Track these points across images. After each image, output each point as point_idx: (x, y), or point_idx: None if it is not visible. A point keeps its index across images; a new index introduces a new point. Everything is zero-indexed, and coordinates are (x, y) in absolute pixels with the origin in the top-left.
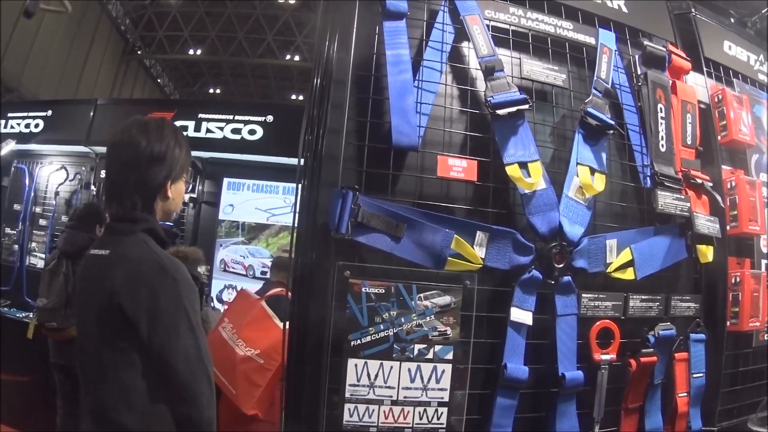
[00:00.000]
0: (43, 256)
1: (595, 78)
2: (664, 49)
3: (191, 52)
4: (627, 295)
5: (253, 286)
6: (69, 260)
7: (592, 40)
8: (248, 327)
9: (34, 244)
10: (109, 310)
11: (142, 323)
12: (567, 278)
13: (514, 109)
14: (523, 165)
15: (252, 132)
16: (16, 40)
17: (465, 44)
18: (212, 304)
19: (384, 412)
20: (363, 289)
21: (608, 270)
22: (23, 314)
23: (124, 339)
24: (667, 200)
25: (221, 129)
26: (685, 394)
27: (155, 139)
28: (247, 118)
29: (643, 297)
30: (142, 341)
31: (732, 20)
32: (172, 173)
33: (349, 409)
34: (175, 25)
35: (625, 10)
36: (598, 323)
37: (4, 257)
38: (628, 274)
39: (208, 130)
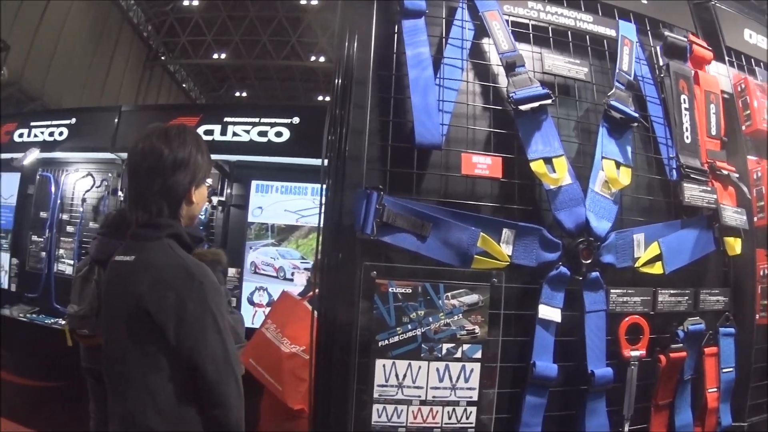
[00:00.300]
0: (72, 262)
1: (617, 70)
2: (685, 39)
3: (215, 56)
4: (656, 289)
5: (286, 288)
6: (101, 267)
7: (612, 33)
8: (292, 326)
9: (61, 251)
10: (136, 315)
11: (169, 327)
12: (595, 274)
13: (536, 104)
14: (548, 160)
15: (278, 134)
16: (36, 50)
17: (485, 40)
18: (232, 305)
19: (413, 412)
20: (390, 289)
21: (636, 265)
22: (52, 320)
23: (151, 343)
24: (693, 192)
25: (247, 132)
26: (715, 389)
27: (178, 146)
28: (273, 120)
29: (671, 291)
30: (170, 345)
31: (751, 8)
32: (196, 178)
33: (377, 410)
34: (197, 30)
35: (644, 1)
36: (627, 319)
37: (32, 264)
38: (657, 269)
39: (235, 134)
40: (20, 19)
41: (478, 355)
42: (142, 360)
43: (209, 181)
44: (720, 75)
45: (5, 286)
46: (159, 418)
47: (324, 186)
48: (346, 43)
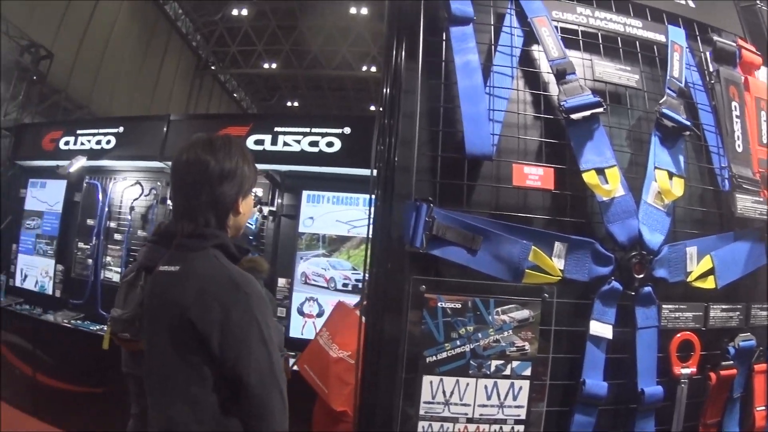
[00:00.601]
0: (119, 270)
1: (668, 77)
2: (734, 44)
3: (266, 65)
4: (707, 305)
5: (336, 298)
6: (148, 274)
7: (662, 38)
8: (343, 333)
9: (108, 259)
10: (179, 325)
11: (213, 338)
12: (647, 289)
13: (588, 112)
14: (600, 171)
15: (330, 144)
16: (82, 58)
17: (534, 47)
18: (279, 315)
19: (459, 430)
20: (439, 304)
21: (689, 279)
22: (97, 327)
23: (195, 354)
24: (745, 204)
25: (298, 142)
26: (764, 407)
27: (224, 157)
28: (324, 130)
29: (723, 306)
30: (214, 356)
31: None
32: (243, 189)
33: (423, 427)
34: (247, 39)
35: (692, 4)
36: (678, 335)
37: (78, 271)
38: (709, 283)
39: (285, 143)
40: (65, 27)
41: (528, 372)
42: (185, 370)
43: (256, 191)
44: None
45: (49, 291)
46: (201, 430)
47: (373, 197)
48: (394, 52)
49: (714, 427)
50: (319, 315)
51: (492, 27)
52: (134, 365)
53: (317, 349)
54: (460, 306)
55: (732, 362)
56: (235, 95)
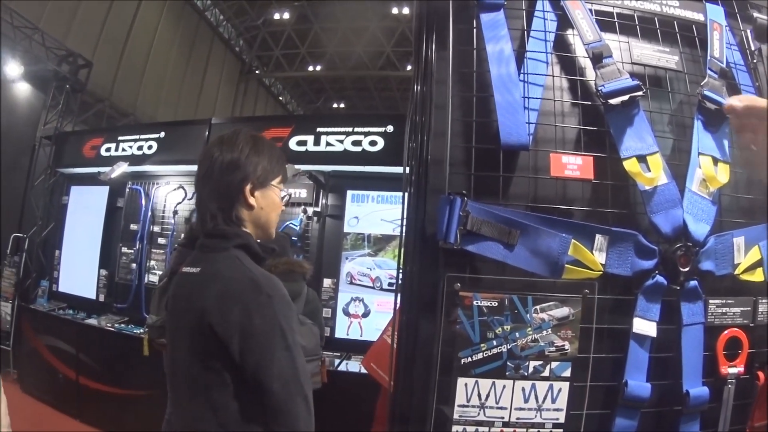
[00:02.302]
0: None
1: (708, 58)
2: None
3: (310, 68)
4: (756, 299)
5: (382, 299)
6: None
7: (701, 17)
8: None
9: (153, 263)
10: (199, 329)
11: (233, 342)
12: (693, 283)
13: (627, 97)
14: (642, 158)
15: (373, 143)
16: (125, 66)
17: (569, 32)
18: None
19: None
20: (474, 302)
21: (736, 272)
22: (140, 330)
23: (215, 359)
24: None
25: (341, 142)
26: None
27: (227, 149)
28: (366, 129)
29: None
30: (234, 361)
31: None
32: (250, 177)
33: (457, 431)
34: (290, 43)
35: None
36: (726, 332)
37: (122, 275)
38: (758, 275)
39: (328, 144)
40: (106, 36)
41: (567, 373)
42: (206, 375)
43: (286, 189)
44: None
45: (93, 296)
46: None
47: (405, 194)
48: (424, 43)
49: (762, 429)
50: (365, 315)
51: (524, 12)
52: None
53: (385, 346)
54: (497, 304)
55: None
56: (280, 98)
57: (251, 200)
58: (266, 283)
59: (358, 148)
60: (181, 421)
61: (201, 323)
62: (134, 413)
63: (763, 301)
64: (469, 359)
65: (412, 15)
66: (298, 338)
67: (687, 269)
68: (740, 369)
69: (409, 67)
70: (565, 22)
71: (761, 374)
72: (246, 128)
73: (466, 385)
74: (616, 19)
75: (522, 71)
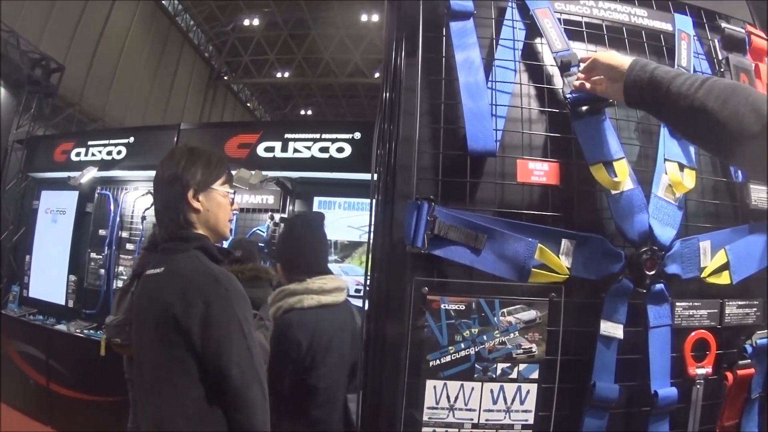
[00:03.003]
0: None
1: (675, 66)
2: (743, 31)
3: (279, 75)
4: (723, 301)
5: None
6: (139, 280)
7: (669, 27)
8: None
9: (121, 268)
10: (164, 321)
11: (194, 331)
12: (660, 286)
13: (594, 105)
14: (608, 164)
15: (340, 150)
16: (95, 71)
17: (538, 40)
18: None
19: None
20: (442, 306)
21: (703, 275)
22: None
23: (179, 348)
24: (760, 194)
25: (308, 148)
26: None
27: (167, 165)
28: (334, 136)
29: (739, 303)
30: (196, 349)
31: None
32: (190, 184)
33: None
34: (259, 49)
35: None
36: (693, 334)
37: (91, 281)
38: (724, 278)
39: (296, 150)
40: (77, 40)
41: (535, 375)
42: (169, 365)
43: (230, 191)
44: None
45: (62, 302)
46: (187, 423)
47: (373, 200)
48: (394, 50)
49: (732, 429)
50: None
51: (493, 21)
52: (131, 370)
53: None
54: (464, 307)
55: (749, 361)
56: (248, 105)
57: (196, 204)
58: (224, 279)
59: (326, 155)
60: (146, 415)
61: (165, 315)
62: (104, 419)
63: (730, 303)
64: (438, 362)
65: (382, 23)
66: (254, 332)
67: (653, 273)
68: (708, 370)
69: (377, 75)
70: (533, 30)
71: (729, 374)
72: (183, 143)
73: (435, 387)
74: (584, 29)
75: (490, 79)
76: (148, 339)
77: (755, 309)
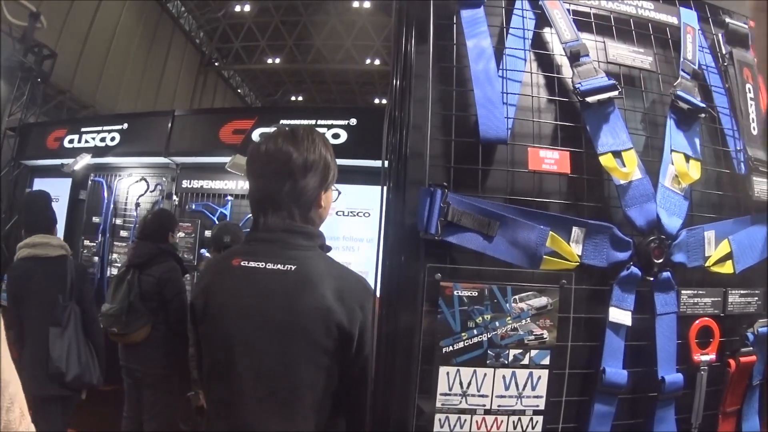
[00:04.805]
0: None
1: (681, 59)
2: (747, 26)
3: (270, 61)
4: (726, 290)
5: None
6: (136, 269)
7: (674, 20)
8: None
9: (115, 256)
10: (325, 328)
11: (355, 339)
12: (666, 274)
13: (604, 96)
14: (617, 154)
15: (336, 136)
16: (86, 57)
17: (547, 30)
18: None
19: (476, 422)
20: (455, 292)
21: (707, 264)
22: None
23: (332, 357)
24: (762, 186)
25: None
26: None
27: (307, 148)
28: (330, 122)
29: (742, 292)
30: (350, 357)
31: None
32: (326, 181)
33: (439, 420)
34: (250, 35)
35: None
36: (698, 321)
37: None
38: (727, 268)
39: None
40: (69, 27)
41: (546, 361)
42: (314, 374)
43: (336, 186)
44: None
45: None
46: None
47: (384, 187)
48: (404, 38)
49: (734, 415)
50: None
51: (503, 10)
52: (130, 359)
53: None
54: (477, 294)
55: (751, 349)
56: (239, 91)
57: (322, 200)
58: (366, 281)
59: None
60: (270, 423)
61: (327, 322)
62: (99, 408)
63: (733, 292)
64: (451, 348)
65: (373, 9)
66: None
67: (660, 261)
68: (712, 357)
69: (368, 61)
70: (543, 20)
71: (732, 362)
72: (312, 127)
73: (447, 373)
74: (592, 20)
75: (501, 67)
76: (284, 343)
77: (757, 298)
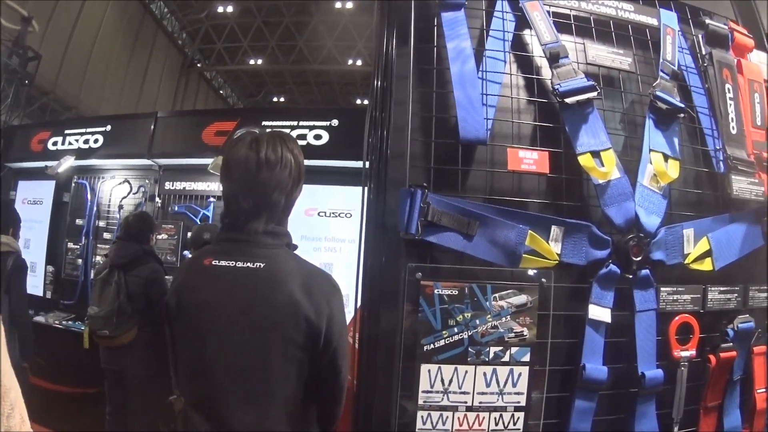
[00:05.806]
0: None
1: (661, 60)
2: (726, 27)
3: (252, 62)
4: (705, 287)
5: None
6: (120, 270)
7: (654, 22)
8: None
9: (98, 258)
10: (293, 322)
11: (323, 331)
12: (645, 272)
13: (583, 97)
14: (596, 154)
15: (318, 137)
16: (70, 59)
17: (527, 32)
18: None
19: (458, 418)
20: (435, 291)
21: (686, 261)
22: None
23: (302, 349)
24: (741, 185)
25: None
26: (764, 389)
27: (289, 147)
28: (311, 123)
29: (721, 288)
30: (318, 349)
31: None
32: (297, 183)
33: (422, 417)
34: (233, 36)
35: None
36: (677, 318)
37: (68, 271)
38: (706, 265)
39: None
40: (53, 28)
41: (527, 358)
42: (285, 367)
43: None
44: (761, 63)
45: (41, 293)
46: (290, 426)
47: (365, 188)
48: (385, 39)
49: (715, 410)
50: None
51: (483, 12)
52: (112, 361)
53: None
54: (457, 292)
55: (731, 344)
56: (221, 92)
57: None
58: (332, 277)
59: (303, 142)
60: (236, 417)
61: (296, 316)
62: (84, 411)
63: (712, 289)
64: (432, 346)
65: (355, 10)
66: None
67: (639, 259)
68: (692, 353)
69: (350, 62)
70: (523, 22)
71: (712, 357)
72: (278, 130)
73: (429, 371)
74: (572, 21)
75: (481, 69)
76: (255, 338)
77: (736, 294)
